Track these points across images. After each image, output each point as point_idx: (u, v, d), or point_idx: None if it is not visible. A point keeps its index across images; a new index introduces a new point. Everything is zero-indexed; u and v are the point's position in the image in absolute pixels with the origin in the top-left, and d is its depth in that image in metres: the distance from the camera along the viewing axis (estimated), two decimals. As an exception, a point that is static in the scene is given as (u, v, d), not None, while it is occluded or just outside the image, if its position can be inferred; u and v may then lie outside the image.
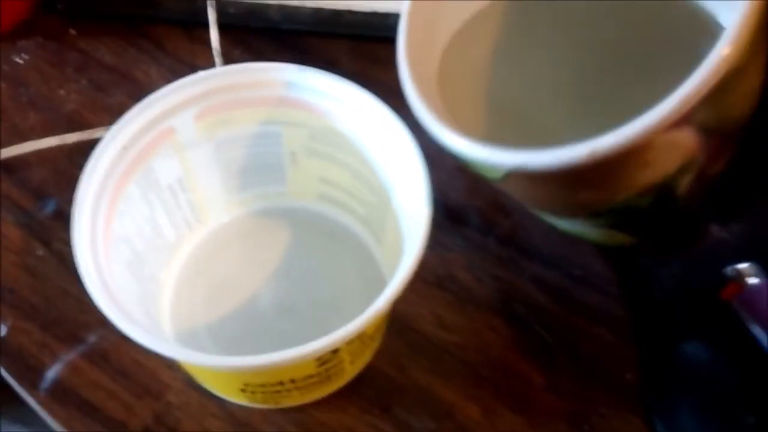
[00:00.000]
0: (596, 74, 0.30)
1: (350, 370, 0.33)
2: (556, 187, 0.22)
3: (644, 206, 0.22)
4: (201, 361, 0.26)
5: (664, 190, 0.22)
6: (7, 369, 0.35)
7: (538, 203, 0.26)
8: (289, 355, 0.26)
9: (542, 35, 0.29)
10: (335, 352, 0.29)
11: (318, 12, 0.45)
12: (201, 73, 0.32)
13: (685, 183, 0.22)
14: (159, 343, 0.26)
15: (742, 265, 0.35)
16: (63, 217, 0.38)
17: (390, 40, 0.43)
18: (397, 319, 0.36)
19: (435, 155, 0.40)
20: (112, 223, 0.31)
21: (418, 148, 0.31)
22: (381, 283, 0.36)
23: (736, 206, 0.28)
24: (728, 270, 0.36)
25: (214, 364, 0.27)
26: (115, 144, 0.31)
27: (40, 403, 0.34)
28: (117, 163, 0.31)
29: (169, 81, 0.43)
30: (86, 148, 0.31)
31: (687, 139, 0.20)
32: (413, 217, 0.31)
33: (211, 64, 0.44)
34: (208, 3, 0.43)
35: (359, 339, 0.30)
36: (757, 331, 0.34)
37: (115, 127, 0.31)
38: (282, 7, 0.45)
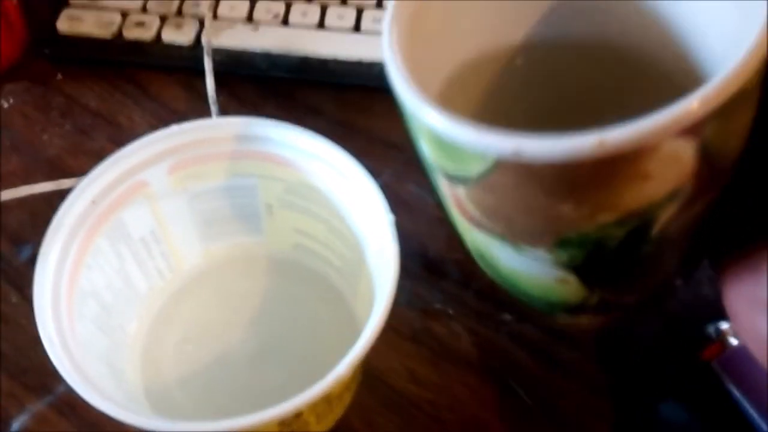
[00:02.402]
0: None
1: (317, 429, 0.32)
2: (539, 190, 0.20)
3: (615, 244, 0.22)
4: (146, 425, 0.26)
5: (641, 223, 0.21)
6: (-27, 419, 0.35)
7: (508, 216, 0.24)
8: (247, 422, 0.26)
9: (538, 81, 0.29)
10: (298, 415, 0.29)
11: (304, 60, 0.45)
12: (174, 128, 0.32)
13: (663, 219, 0.21)
14: (102, 403, 0.26)
15: (724, 325, 0.35)
16: (39, 264, 0.38)
17: (375, 90, 0.43)
18: (369, 372, 0.35)
19: (416, 204, 0.41)
20: (79, 279, 0.30)
21: (388, 208, 0.31)
22: (356, 335, 0.35)
23: (694, 261, 0.27)
24: (710, 329, 0.35)
25: (163, 430, 0.27)
26: (83, 198, 0.31)
27: (4, 455, 0.34)
28: (85, 217, 0.31)
29: (152, 126, 0.43)
30: (65, 193, 0.32)
31: (688, 156, 0.19)
32: (384, 275, 0.30)
33: (196, 110, 0.44)
34: (205, 52, 0.43)
35: (324, 400, 0.30)
36: (737, 393, 0.33)
37: (85, 181, 0.31)
38: (268, 55, 0.45)
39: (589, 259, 0.23)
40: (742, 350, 0.34)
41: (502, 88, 0.29)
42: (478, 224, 0.24)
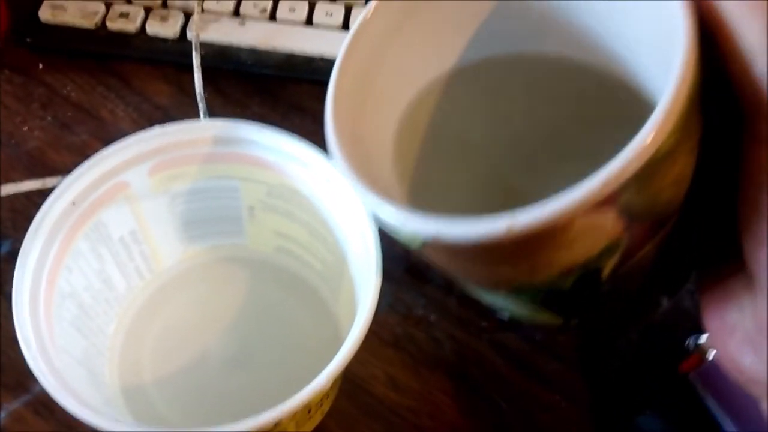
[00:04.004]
0: (553, 148, 0.29)
1: (296, 436, 0.32)
2: (473, 260, 0.22)
3: (567, 287, 0.22)
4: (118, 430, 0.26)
5: (587, 271, 0.21)
6: (-52, 418, 0.34)
7: (458, 274, 0.25)
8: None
9: (497, 106, 0.29)
10: (277, 424, 0.28)
11: (290, 57, 0.44)
12: (156, 129, 0.32)
13: (610, 265, 0.21)
14: (79, 409, 0.26)
15: (703, 338, 0.35)
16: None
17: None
18: (349, 378, 0.35)
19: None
20: (58, 281, 0.30)
21: (370, 212, 0.30)
22: (337, 340, 0.35)
23: (679, 280, 0.27)
24: (689, 342, 0.36)
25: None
26: (63, 199, 0.30)
27: (-21, 454, 0.33)
28: (65, 218, 0.30)
29: (135, 121, 0.43)
30: (47, 190, 0.31)
31: (610, 222, 0.19)
32: (366, 281, 0.30)
33: (181, 105, 0.44)
34: (193, 47, 0.42)
35: (304, 409, 0.29)
36: (713, 406, 0.34)
37: (66, 182, 0.30)
38: (254, 51, 0.45)
39: (548, 299, 0.23)
40: (719, 363, 0.34)
41: (456, 116, 0.29)
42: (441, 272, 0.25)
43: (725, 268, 0.22)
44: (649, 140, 0.18)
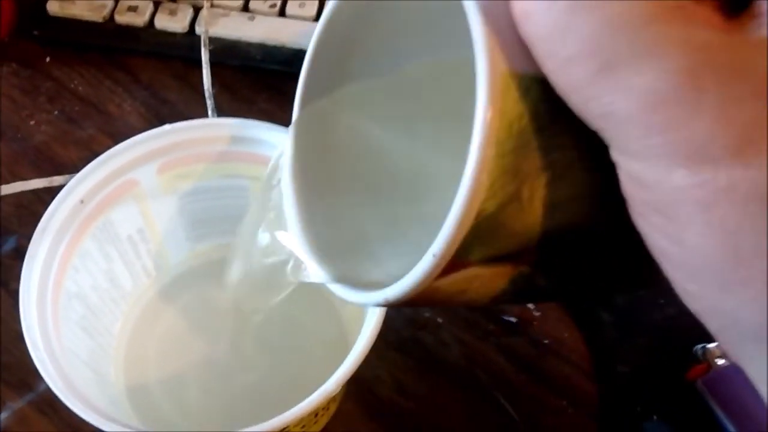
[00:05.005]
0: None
1: (302, 439, 0.32)
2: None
3: (512, 298, 0.20)
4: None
5: (516, 288, 0.19)
6: (-48, 415, 0.34)
7: None
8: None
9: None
10: (284, 429, 0.28)
11: (299, 53, 0.44)
12: (166, 127, 0.32)
13: (541, 281, 0.19)
14: (86, 412, 0.26)
15: (711, 345, 0.35)
16: (23, 256, 0.37)
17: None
18: (355, 381, 0.35)
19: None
20: (65, 281, 0.30)
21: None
22: (343, 341, 0.35)
23: None
24: (696, 349, 0.35)
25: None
26: (72, 198, 0.30)
27: (-17, 451, 0.33)
28: (73, 218, 0.30)
29: (142, 115, 0.43)
30: (54, 186, 0.31)
31: (484, 271, 0.17)
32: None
33: (189, 100, 0.44)
34: (202, 43, 0.41)
35: (311, 414, 0.29)
36: (720, 414, 0.33)
37: (74, 181, 0.30)
38: (262, 46, 0.44)
39: (504, 301, 0.21)
40: (727, 371, 0.34)
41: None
42: None
43: None
44: (456, 222, 0.15)
